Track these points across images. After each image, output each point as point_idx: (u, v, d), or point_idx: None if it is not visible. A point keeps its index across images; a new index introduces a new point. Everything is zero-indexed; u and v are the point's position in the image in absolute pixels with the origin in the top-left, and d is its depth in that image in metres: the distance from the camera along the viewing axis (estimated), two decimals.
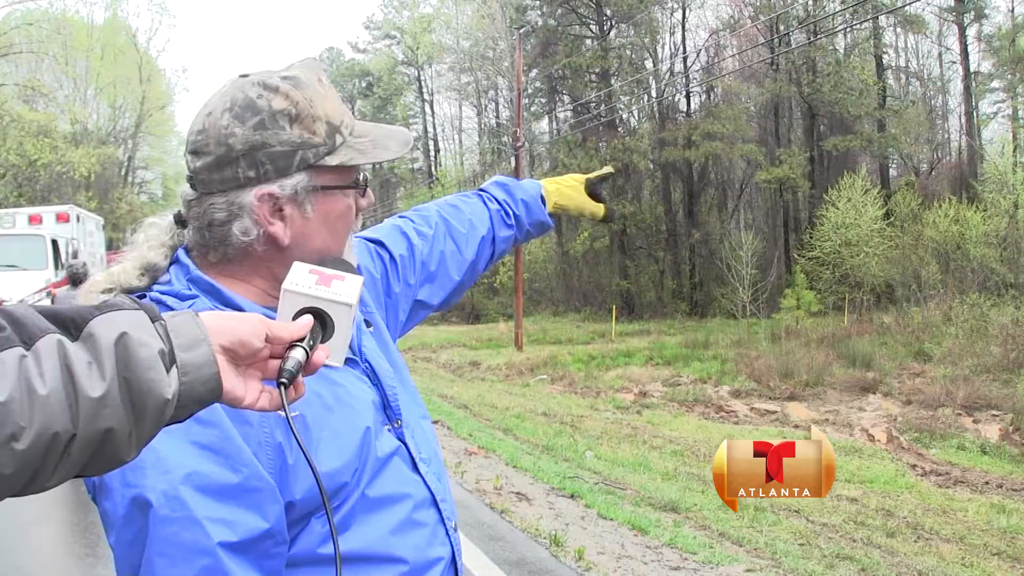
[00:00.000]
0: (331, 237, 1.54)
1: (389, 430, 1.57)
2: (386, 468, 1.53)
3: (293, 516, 1.41)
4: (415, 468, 1.59)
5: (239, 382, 1.14)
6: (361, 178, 1.58)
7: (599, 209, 2.36)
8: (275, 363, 1.18)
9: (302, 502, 1.41)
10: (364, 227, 1.86)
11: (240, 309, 1.47)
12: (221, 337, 1.11)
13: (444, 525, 1.60)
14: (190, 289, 1.49)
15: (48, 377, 0.96)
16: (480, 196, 2.23)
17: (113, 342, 1.00)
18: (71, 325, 1.02)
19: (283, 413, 1.19)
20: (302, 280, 1.29)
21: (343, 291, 1.28)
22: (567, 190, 2.32)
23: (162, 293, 1.48)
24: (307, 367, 1.20)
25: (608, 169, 2.45)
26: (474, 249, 2.11)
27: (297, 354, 1.18)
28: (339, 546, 1.37)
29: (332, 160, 1.49)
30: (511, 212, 2.21)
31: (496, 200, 2.21)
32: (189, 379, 1.06)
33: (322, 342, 1.26)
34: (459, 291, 2.13)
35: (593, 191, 2.36)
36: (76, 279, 12.02)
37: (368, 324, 1.74)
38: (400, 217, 2.11)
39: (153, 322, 1.06)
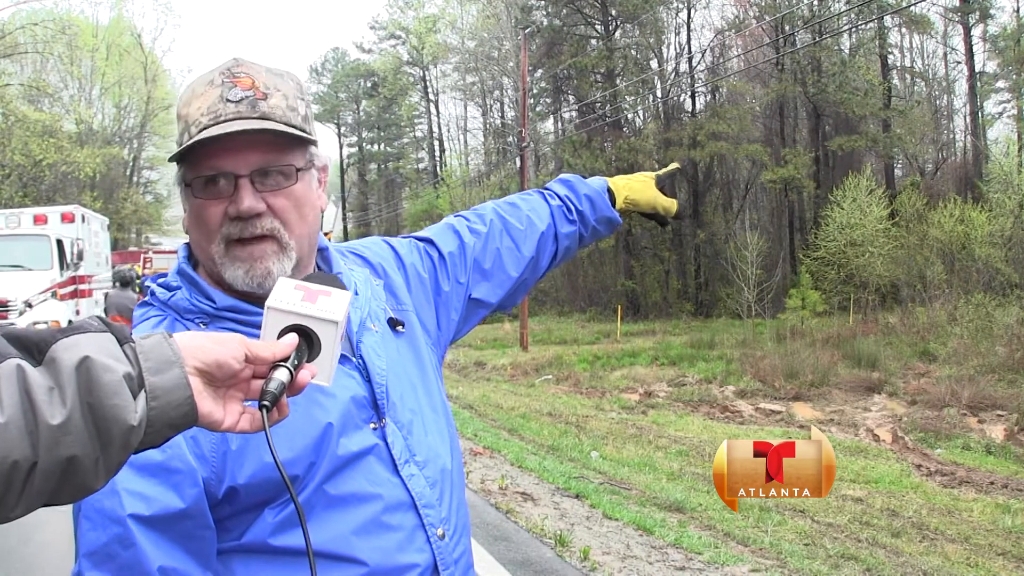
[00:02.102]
0: (198, 234, 1.55)
1: (373, 429, 1.57)
2: (353, 466, 1.52)
3: (239, 504, 1.43)
4: (395, 470, 1.57)
5: (217, 405, 1.11)
6: (189, 178, 1.52)
7: (672, 204, 2.32)
8: (259, 383, 1.16)
9: (246, 488, 1.42)
10: (371, 233, 1.85)
11: (213, 301, 1.53)
12: (195, 359, 1.08)
13: (425, 531, 1.57)
14: (176, 281, 1.56)
15: (7, 404, 0.93)
16: (542, 193, 2.20)
17: (75, 366, 0.97)
18: (34, 349, 1.00)
19: (267, 437, 1.17)
20: (287, 296, 1.25)
21: (329, 307, 1.24)
22: (637, 185, 2.28)
23: (158, 285, 1.57)
24: (291, 387, 1.18)
25: (675, 165, 2.45)
26: (533, 246, 2.08)
27: (280, 375, 1.16)
28: (293, 540, 1.43)
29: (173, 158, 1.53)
30: (573, 208, 2.16)
31: (557, 196, 2.18)
32: (159, 403, 1.03)
33: (308, 360, 1.23)
34: (521, 289, 2.10)
35: (663, 188, 2.33)
36: (125, 280, 13.60)
37: (399, 323, 1.74)
38: (456, 216, 2.09)
39: (122, 344, 1.04)
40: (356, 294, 1.69)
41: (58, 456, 0.95)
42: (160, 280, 1.59)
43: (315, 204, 1.62)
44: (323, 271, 1.70)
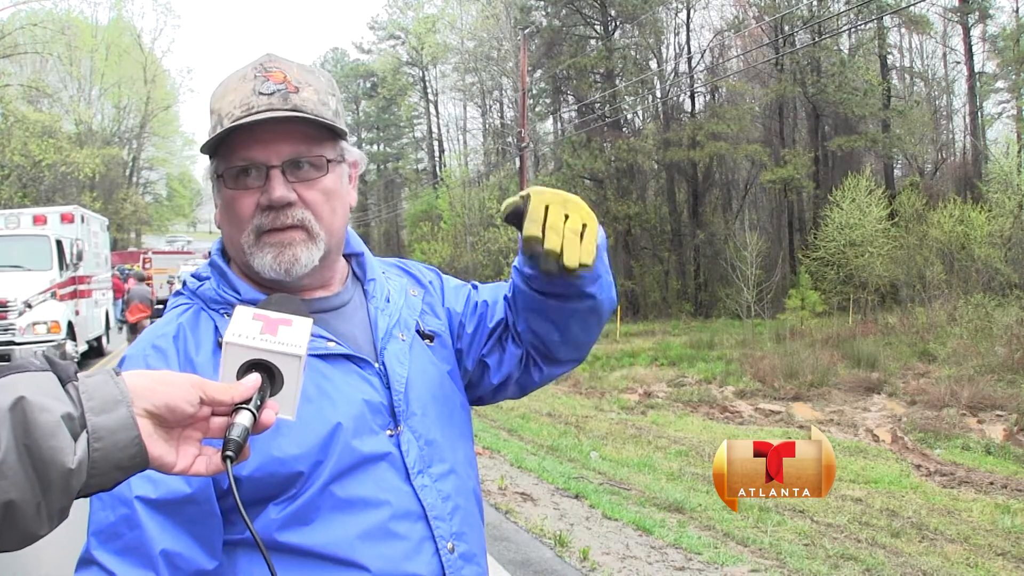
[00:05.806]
0: (228, 226, 1.57)
1: (390, 435, 1.55)
2: (363, 470, 1.51)
3: (242, 497, 1.38)
4: (407, 478, 1.55)
5: (169, 448, 1.07)
6: (221, 170, 1.54)
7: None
8: (218, 421, 1.13)
9: (250, 481, 1.43)
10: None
11: (238, 293, 1.56)
12: (145, 400, 1.04)
13: (435, 544, 1.55)
14: (207, 272, 1.61)
15: None
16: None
17: (9, 407, 0.94)
18: None
19: (231, 484, 1.13)
20: (245, 329, 1.20)
21: (291, 339, 1.19)
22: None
23: (191, 275, 1.63)
24: (255, 428, 1.14)
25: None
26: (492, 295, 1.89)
27: (243, 419, 1.12)
28: (298, 539, 1.45)
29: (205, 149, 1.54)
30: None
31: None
32: (103, 444, 0.98)
33: (272, 394, 1.18)
34: (522, 382, 1.87)
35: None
36: (140, 277, 15.70)
37: (428, 336, 1.72)
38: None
39: (64, 384, 1.00)
40: (388, 301, 1.69)
41: None
42: (197, 270, 1.64)
43: (345, 198, 1.63)
44: (357, 276, 1.72)
